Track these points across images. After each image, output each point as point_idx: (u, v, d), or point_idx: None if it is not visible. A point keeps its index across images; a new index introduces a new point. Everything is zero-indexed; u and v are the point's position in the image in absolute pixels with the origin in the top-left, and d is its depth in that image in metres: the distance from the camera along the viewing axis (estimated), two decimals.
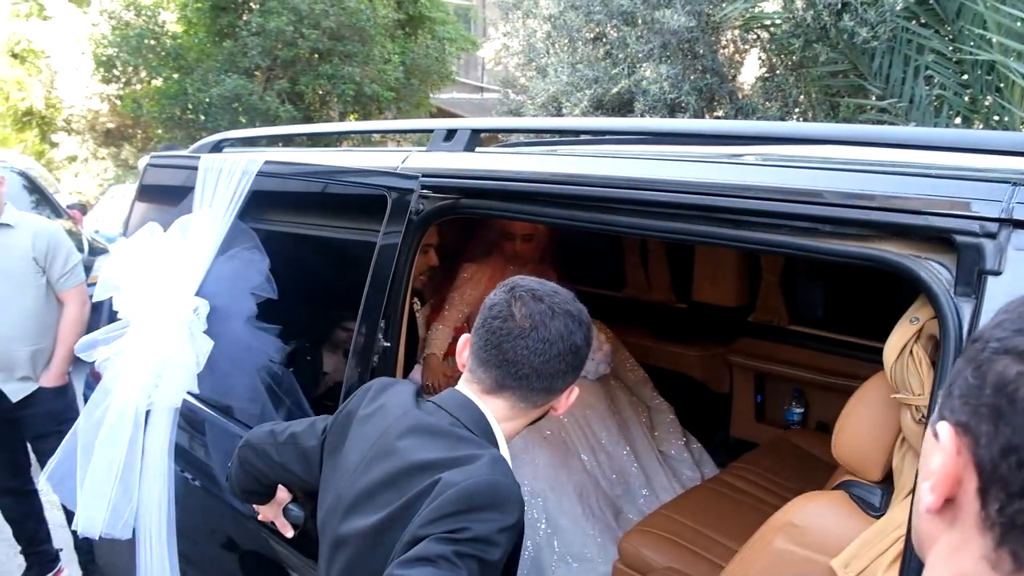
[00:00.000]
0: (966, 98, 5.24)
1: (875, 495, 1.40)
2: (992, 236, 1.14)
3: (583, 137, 2.60)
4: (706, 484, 2.70)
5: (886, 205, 1.24)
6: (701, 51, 6.24)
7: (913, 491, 1.21)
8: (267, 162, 2.14)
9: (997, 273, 1.14)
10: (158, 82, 12.22)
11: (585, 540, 2.57)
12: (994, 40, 4.58)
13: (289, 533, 1.76)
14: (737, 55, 6.72)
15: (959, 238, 1.17)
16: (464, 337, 1.34)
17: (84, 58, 12.97)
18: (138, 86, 12.90)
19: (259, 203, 2.15)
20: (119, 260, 2.21)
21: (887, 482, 1.43)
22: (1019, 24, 4.32)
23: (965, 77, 5.23)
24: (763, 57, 6.50)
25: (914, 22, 5.31)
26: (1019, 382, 0.52)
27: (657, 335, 3.54)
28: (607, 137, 2.33)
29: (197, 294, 2.16)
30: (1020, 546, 0.51)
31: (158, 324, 2.09)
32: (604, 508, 2.66)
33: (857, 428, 1.45)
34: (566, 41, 7.26)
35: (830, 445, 1.51)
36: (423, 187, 1.78)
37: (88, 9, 13.82)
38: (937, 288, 1.19)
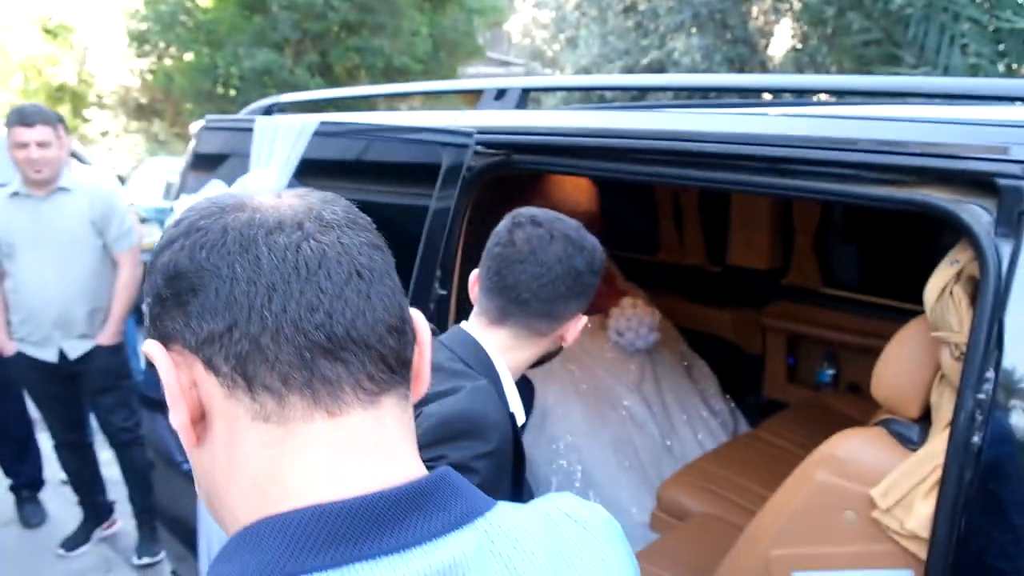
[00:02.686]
0: (1001, 67, 5.20)
1: (913, 431, 1.48)
2: None
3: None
4: (740, 439, 2.78)
5: (931, 151, 1.31)
6: (732, 22, 6.23)
7: (951, 424, 1.29)
8: (323, 122, 2.23)
9: None
10: (189, 56, 12.34)
11: (620, 492, 2.66)
12: None
13: None
14: (768, 26, 6.70)
15: (1001, 181, 1.23)
16: (474, 273, 1.37)
17: (116, 33, 13.12)
18: (169, 61, 13.04)
19: (317, 163, 2.24)
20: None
21: (924, 420, 1.50)
22: None
23: (1001, 47, 5.19)
24: (795, 27, 6.47)
25: None
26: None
27: (691, 299, 3.60)
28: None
29: None
30: (251, 369, 0.50)
31: None
32: (642, 461, 2.75)
33: (897, 368, 1.52)
34: (596, 12, 7.26)
35: (860, 407, 1.58)
36: (477, 143, 1.87)
37: None
38: (978, 229, 1.26)
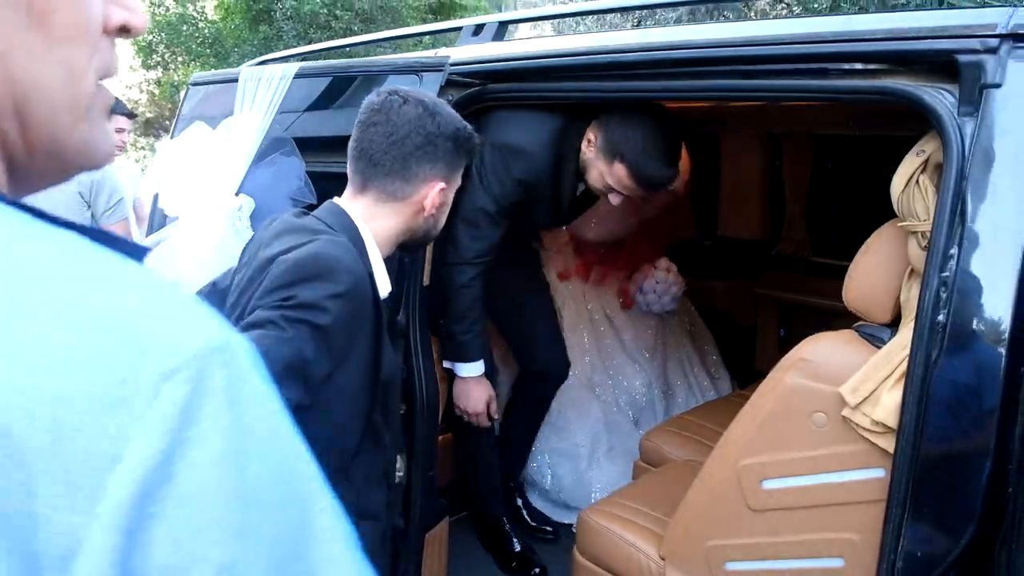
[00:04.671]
0: None
1: (884, 333, 1.45)
2: (993, 51, 1.19)
3: None
4: (726, 397, 2.75)
5: (893, 36, 1.30)
6: (730, 16, 6.26)
7: (917, 306, 1.27)
8: (302, 67, 2.24)
9: (997, 86, 1.19)
10: (195, 67, 12.47)
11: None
12: None
13: None
14: (767, 6, 6.74)
15: (962, 57, 1.22)
16: None
17: (123, 47, 13.28)
18: (176, 72, 13.18)
19: (299, 108, 2.25)
20: (166, 160, 2.32)
21: (895, 326, 1.48)
22: None
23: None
24: (797, 12, 6.49)
25: None
26: None
27: (683, 271, 3.58)
28: None
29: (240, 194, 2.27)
30: None
31: (204, 218, 2.19)
32: (624, 418, 2.73)
33: (867, 273, 1.50)
34: (595, 17, 7.31)
35: None
36: (451, 74, 1.87)
37: None
38: (941, 110, 1.25)
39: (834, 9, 4.81)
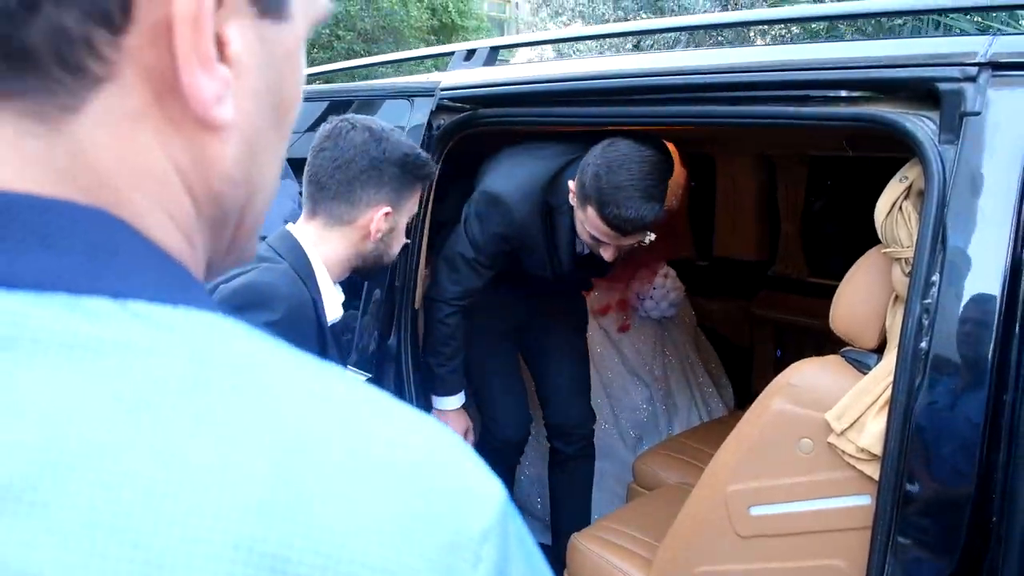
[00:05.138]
0: None
1: (870, 358, 1.45)
2: (972, 79, 1.20)
3: None
4: (721, 419, 2.74)
5: (875, 63, 1.31)
6: (727, 37, 6.30)
7: (900, 333, 1.27)
8: None
9: (977, 114, 1.20)
10: None
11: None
12: None
13: None
14: (762, 42, 6.77)
15: (942, 85, 1.23)
16: None
17: None
18: None
19: (296, 130, 2.27)
20: None
21: (881, 351, 1.48)
22: None
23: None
24: (777, 30, 6.54)
25: None
26: None
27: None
28: None
29: None
30: None
31: None
32: (618, 442, 2.73)
33: (852, 298, 1.50)
34: (596, 41, 7.37)
35: None
36: (442, 99, 1.88)
37: None
38: (923, 137, 1.25)
39: (831, 31, 4.85)
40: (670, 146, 2.62)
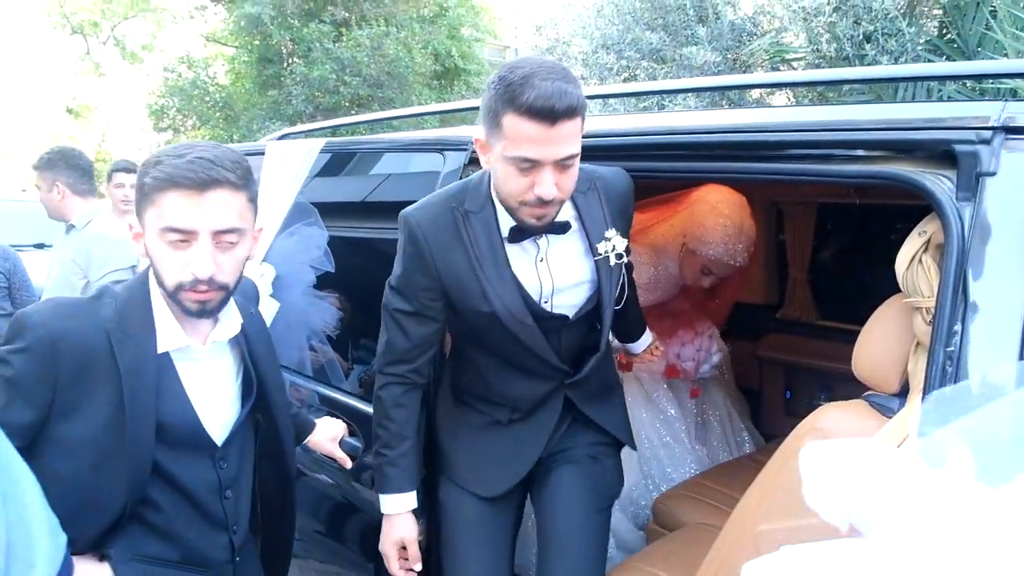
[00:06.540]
0: None
1: (893, 403, 1.51)
2: (987, 142, 1.29)
3: None
4: (738, 460, 2.79)
5: (896, 126, 1.41)
6: (733, 97, 6.46)
7: (924, 379, 1.34)
8: (328, 142, 2.36)
9: (992, 174, 1.29)
10: (205, 129, 12.78)
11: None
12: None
13: (348, 464, 1.90)
14: (764, 90, 6.93)
15: (959, 147, 1.32)
16: None
17: (134, 111, 13.65)
18: (185, 135, 13.50)
19: (327, 181, 2.36)
20: None
21: (904, 396, 1.55)
22: None
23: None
24: (789, 91, 6.69)
25: (936, 53, 5.49)
26: None
27: None
28: None
29: (263, 262, 2.37)
30: None
31: None
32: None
33: (874, 345, 1.57)
34: (596, 80, 7.54)
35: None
36: (475, 151, 1.97)
37: (141, 66, 14.55)
38: (941, 196, 1.34)
39: (844, 94, 5.01)
40: (742, 196, 2.64)
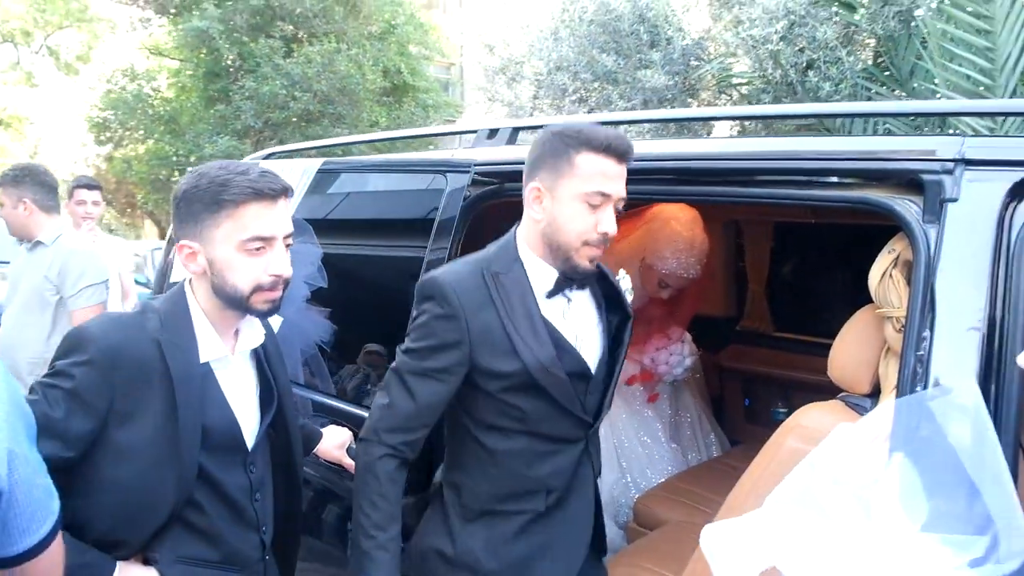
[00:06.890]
0: None
1: (866, 403, 1.70)
2: (950, 172, 1.48)
3: None
4: (708, 462, 2.97)
5: (869, 156, 1.59)
6: (696, 127, 6.73)
7: (898, 381, 1.51)
8: (326, 162, 2.46)
9: (955, 200, 1.48)
10: (150, 143, 12.57)
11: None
12: (943, 95, 5.10)
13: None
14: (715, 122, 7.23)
15: (926, 176, 1.51)
16: None
17: (71, 122, 13.33)
18: (128, 147, 13.26)
19: (325, 199, 2.45)
20: None
21: (875, 397, 1.73)
22: (966, 80, 4.81)
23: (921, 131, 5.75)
24: (736, 122, 7.01)
25: (872, 80, 5.84)
26: None
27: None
28: None
29: None
30: None
31: None
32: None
33: (848, 350, 1.75)
34: (549, 101, 7.74)
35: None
36: (476, 173, 2.11)
37: (77, 77, 14.22)
38: (910, 218, 1.52)
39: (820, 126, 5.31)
40: (695, 212, 2.81)
